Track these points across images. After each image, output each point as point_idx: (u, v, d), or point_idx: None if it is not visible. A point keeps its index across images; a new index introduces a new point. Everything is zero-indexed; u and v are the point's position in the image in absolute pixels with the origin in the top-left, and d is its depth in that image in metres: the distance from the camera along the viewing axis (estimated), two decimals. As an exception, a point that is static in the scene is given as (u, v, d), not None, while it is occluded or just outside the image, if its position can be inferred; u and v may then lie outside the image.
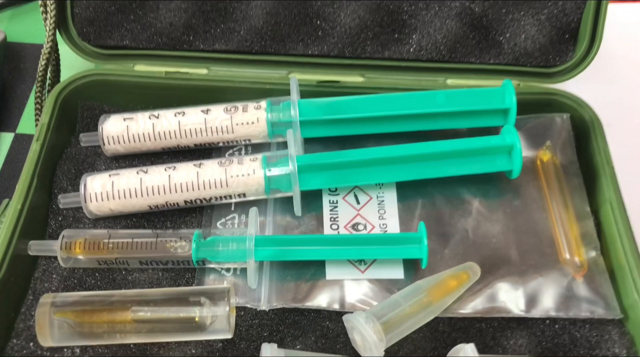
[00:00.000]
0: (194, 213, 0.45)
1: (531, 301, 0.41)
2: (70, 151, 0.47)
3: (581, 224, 0.44)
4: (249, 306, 0.41)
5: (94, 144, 0.47)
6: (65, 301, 0.38)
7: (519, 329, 0.41)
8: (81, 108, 0.49)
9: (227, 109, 0.45)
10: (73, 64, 0.50)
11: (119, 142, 0.46)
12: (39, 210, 0.44)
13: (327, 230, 0.44)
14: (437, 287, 0.40)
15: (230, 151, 0.47)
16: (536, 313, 0.41)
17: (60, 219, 0.44)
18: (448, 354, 0.38)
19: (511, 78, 0.48)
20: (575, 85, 0.50)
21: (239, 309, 0.41)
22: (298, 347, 0.39)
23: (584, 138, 0.48)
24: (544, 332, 0.41)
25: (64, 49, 0.49)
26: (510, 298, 0.41)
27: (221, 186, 0.42)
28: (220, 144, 0.46)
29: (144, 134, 0.45)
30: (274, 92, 0.47)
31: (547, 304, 0.41)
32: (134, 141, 0.46)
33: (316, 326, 0.40)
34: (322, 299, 0.41)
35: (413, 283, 0.40)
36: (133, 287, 0.41)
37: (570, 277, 0.42)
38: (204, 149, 0.47)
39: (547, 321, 0.41)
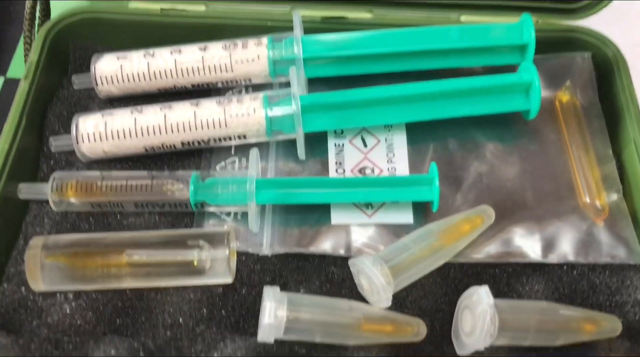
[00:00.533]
0: (192, 156, 0.42)
1: (548, 246, 0.39)
2: (62, 93, 0.45)
3: (602, 167, 0.42)
4: (250, 251, 0.39)
5: (87, 86, 0.44)
6: (57, 243, 0.36)
7: (535, 275, 0.39)
8: (73, 48, 0.46)
9: (225, 46, 0.43)
10: (65, 2, 0.47)
11: (113, 83, 0.43)
12: (30, 153, 0.42)
13: (333, 174, 0.41)
14: (448, 230, 0.38)
15: (230, 92, 0.45)
16: (553, 259, 0.39)
17: (52, 163, 0.42)
18: (460, 298, 0.36)
19: (529, 14, 0.45)
20: (598, 25, 0.47)
21: (240, 254, 0.39)
22: (302, 291, 0.37)
23: (606, 77, 0.45)
24: (561, 279, 0.38)
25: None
26: (526, 243, 0.39)
27: (220, 126, 0.40)
28: (219, 85, 0.44)
29: (138, 73, 0.43)
30: (276, 29, 0.45)
31: (565, 249, 0.39)
32: (128, 81, 0.43)
33: (321, 271, 0.38)
34: (327, 244, 0.39)
35: (423, 226, 0.38)
36: (130, 231, 0.39)
37: (590, 221, 0.40)
38: (202, 89, 0.44)
39: (565, 267, 0.39)
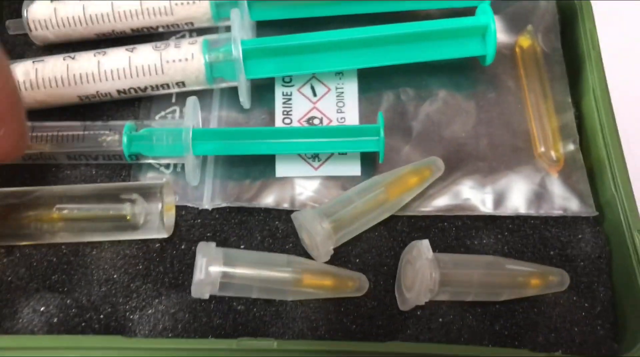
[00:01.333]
0: (132, 106, 0.40)
1: (499, 198, 0.38)
2: (-4, 39, 0.42)
3: (561, 116, 0.40)
4: (190, 205, 0.37)
5: (22, 31, 0.42)
6: (-17, 198, 0.35)
7: (485, 228, 0.37)
8: (6, -9, 0.43)
9: (165, -13, 0.40)
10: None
11: (47, 28, 0.41)
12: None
13: (279, 125, 0.40)
14: (395, 183, 0.36)
15: (172, 38, 0.42)
16: (504, 211, 0.37)
17: (-16, 112, 0.40)
18: (402, 253, 0.35)
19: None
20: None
21: (179, 208, 0.37)
22: (242, 247, 0.36)
23: (570, 22, 0.42)
24: (512, 232, 0.37)
25: None
26: (476, 195, 0.38)
27: (156, 73, 0.38)
28: (160, 29, 0.41)
29: (73, 17, 0.40)
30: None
31: (517, 201, 0.38)
32: (63, 26, 0.41)
33: (264, 225, 0.37)
34: (270, 198, 0.38)
35: (369, 179, 0.37)
36: (64, 184, 0.38)
37: (544, 173, 0.38)
38: (143, 35, 0.42)
39: (516, 220, 0.38)
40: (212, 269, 0.32)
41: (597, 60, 0.40)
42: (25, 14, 0.41)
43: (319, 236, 0.33)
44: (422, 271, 0.32)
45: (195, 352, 0.31)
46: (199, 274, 0.32)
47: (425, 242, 0.33)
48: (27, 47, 0.42)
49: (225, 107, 0.40)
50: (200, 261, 0.32)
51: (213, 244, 0.33)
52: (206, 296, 0.33)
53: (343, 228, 0.35)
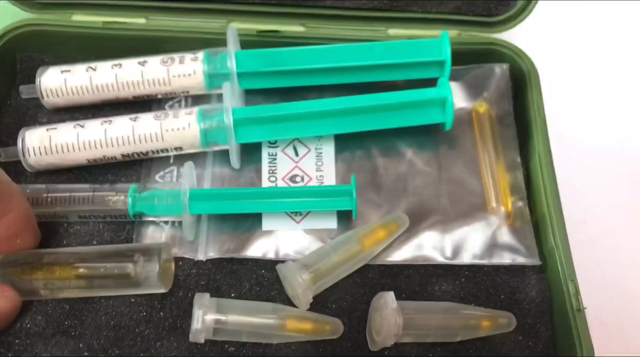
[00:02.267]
0: (134, 166, 0.45)
1: (457, 249, 0.43)
2: (11, 104, 0.47)
3: (511, 174, 0.46)
4: (187, 256, 0.42)
5: (34, 96, 0.47)
6: (3, 259, 0.39)
7: (445, 275, 0.43)
8: (19, 60, 0.48)
9: (163, 61, 0.45)
10: (8, 13, 0.49)
11: (57, 95, 0.46)
12: (-20, 164, 0.44)
13: (265, 183, 0.45)
14: (366, 236, 0.42)
15: (170, 103, 0.48)
16: (461, 260, 0.43)
17: (1, 172, 0.45)
18: (372, 301, 0.40)
19: (453, 27, 0.49)
20: (520, 37, 0.50)
21: (177, 259, 0.42)
22: (232, 295, 0.41)
23: (520, 89, 0.48)
24: (468, 279, 0.43)
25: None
26: (436, 246, 0.43)
27: (157, 140, 0.43)
28: (159, 96, 0.46)
29: (81, 86, 0.45)
30: (215, 42, 0.47)
31: (472, 251, 0.43)
32: (72, 94, 0.46)
33: (252, 274, 0.42)
34: (258, 249, 0.43)
35: (344, 234, 0.42)
36: (75, 239, 0.42)
37: (495, 226, 0.44)
38: (144, 101, 0.47)
39: (472, 268, 0.43)
40: (207, 317, 0.37)
41: (542, 126, 0.45)
42: (38, 83, 0.45)
43: (300, 288, 0.39)
44: (388, 319, 0.38)
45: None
46: (196, 324, 0.37)
47: (391, 294, 0.38)
48: (39, 110, 0.47)
49: (218, 166, 0.45)
50: (197, 312, 0.37)
51: (207, 295, 0.39)
52: (202, 341, 0.38)
53: (321, 278, 0.40)
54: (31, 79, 0.48)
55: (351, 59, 0.46)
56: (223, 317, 0.38)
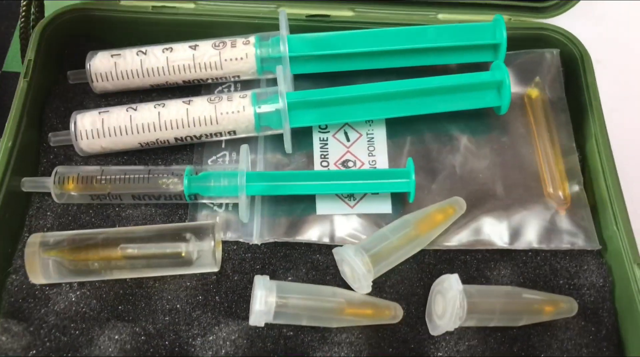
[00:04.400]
0: (185, 150, 0.45)
1: (515, 233, 0.42)
2: (59, 89, 0.47)
3: (566, 159, 0.45)
4: (241, 240, 0.42)
5: (82, 81, 0.46)
6: (54, 240, 0.39)
7: (502, 260, 0.42)
8: (67, 45, 0.48)
9: (215, 45, 0.45)
10: (58, 2, 0.48)
11: (107, 79, 0.45)
12: (30, 148, 0.44)
13: (317, 167, 0.44)
14: (423, 221, 0.41)
15: (220, 88, 0.47)
16: (519, 245, 0.42)
17: (51, 157, 0.44)
18: (433, 284, 0.40)
19: (503, 12, 0.48)
20: (568, 22, 0.49)
21: (231, 243, 0.42)
22: (289, 278, 0.41)
23: (572, 74, 0.48)
24: (526, 264, 0.42)
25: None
26: (494, 231, 0.43)
27: (211, 123, 0.42)
28: (209, 81, 0.46)
29: (132, 70, 0.45)
30: (263, 26, 0.47)
31: (530, 236, 0.42)
32: (122, 78, 0.45)
33: (307, 258, 0.42)
34: (312, 233, 0.42)
35: (401, 217, 0.42)
36: (126, 224, 0.42)
37: (553, 210, 0.43)
38: (193, 86, 0.46)
39: (530, 253, 0.42)
40: (268, 300, 0.37)
41: (598, 110, 0.45)
42: (88, 67, 0.45)
43: (361, 270, 0.38)
44: (453, 302, 0.37)
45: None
46: (258, 305, 0.36)
47: (455, 276, 0.38)
48: (86, 95, 0.47)
49: (270, 150, 0.45)
50: (259, 294, 0.37)
51: (267, 277, 0.38)
52: (262, 324, 0.37)
53: (380, 262, 0.39)
54: (78, 65, 0.47)
55: (404, 42, 0.45)
56: (284, 300, 0.37)
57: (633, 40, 0.58)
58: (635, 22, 0.58)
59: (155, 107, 0.43)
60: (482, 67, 0.47)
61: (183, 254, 0.39)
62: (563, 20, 0.49)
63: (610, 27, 0.58)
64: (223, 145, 0.45)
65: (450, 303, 0.37)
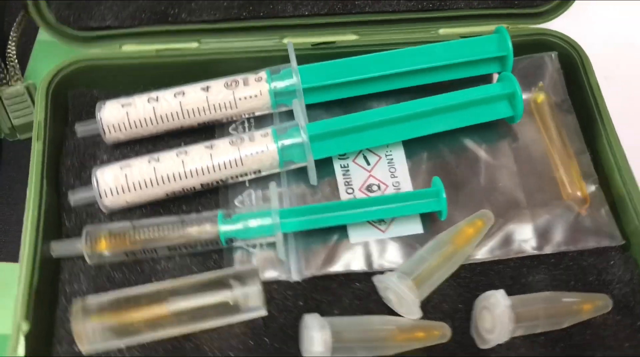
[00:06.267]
0: (209, 193, 0.45)
1: (542, 238, 0.44)
2: (69, 144, 0.46)
3: (579, 159, 0.47)
4: (281, 278, 0.42)
5: (90, 133, 0.45)
6: (98, 304, 0.38)
7: (533, 266, 0.43)
8: (71, 97, 0.47)
9: (227, 84, 0.44)
10: (55, 52, 0.47)
11: (120, 130, 0.44)
12: (51, 210, 0.43)
13: (343, 194, 0.45)
14: (457, 237, 0.42)
15: (233, 125, 0.47)
16: (548, 250, 0.44)
17: (73, 216, 0.43)
18: (477, 300, 0.41)
19: (500, 21, 0.49)
20: (560, 27, 0.51)
21: (272, 282, 0.42)
22: (336, 312, 0.41)
23: (573, 75, 0.49)
24: (556, 266, 0.44)
25: (45, 37, 0.46)
26: (522, 239, 0.44)
27: (236, 166, 0.42)
28: (224, 120, 0.46)
29: (144, 118, 0.44)
30: (270, 59, 0.47)
31: (557, 239, 0.44)
32: (135, 127, 0.44)
33: (347, 288, 0.42)
34: (349, 263, 0.43)
35: (434, 238, 0.42)
36: (163, 277, 0.41)
37: (575, 211, 0.45)
38: (205, 127, 0.46)
39: (557, 255, 0.44)
40: (325, 339, 0.37)
41: (604, 108, 0.46)
42: (99, 119, 0.44)
43: (409, 296, 0.39)
44: (501, 317, 0.38)
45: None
46: (316, 346, 0.37)
47: (502, 292, 0.39)
48: (96, 147, 0.46)
49: (294, 183, 0.45)
50: (317, 335, 0.37)
51: (318, 316, 0.38)
52: (319, 363, 0.38)
53: (423, 284, 0.40)
54: (83, 116, 0.47)
55: (412, 63, 0.46)
56: (339, 336, 0.38)
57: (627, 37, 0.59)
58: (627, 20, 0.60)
59: (177, 156, 0.42)
60: (485, 77, 0.48)
61: (230, 302, 0.38)
62: (560, 24, 0.51)
63: (606, 28, 0.59)
64: (247, 184, 0.45)
65: (498, 319, 0.38)
